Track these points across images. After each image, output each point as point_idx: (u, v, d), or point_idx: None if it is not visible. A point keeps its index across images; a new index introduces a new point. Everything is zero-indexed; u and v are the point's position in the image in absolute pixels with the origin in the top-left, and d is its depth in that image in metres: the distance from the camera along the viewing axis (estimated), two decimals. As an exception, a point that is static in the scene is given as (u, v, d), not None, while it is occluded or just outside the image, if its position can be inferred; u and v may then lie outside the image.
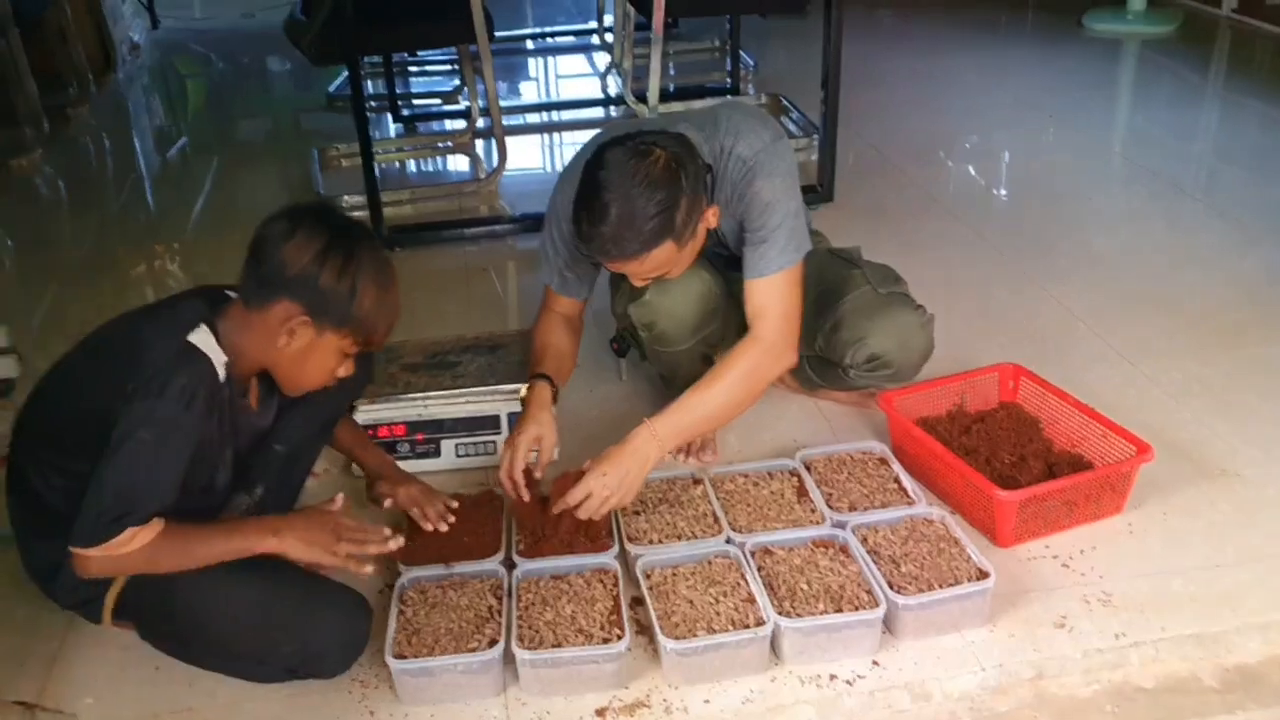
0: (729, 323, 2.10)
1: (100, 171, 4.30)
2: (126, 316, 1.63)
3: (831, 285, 2.08)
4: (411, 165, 4.15)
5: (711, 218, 1.85)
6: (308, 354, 1.56)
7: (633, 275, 1.86)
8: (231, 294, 1.59)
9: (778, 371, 1.95)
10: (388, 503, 1.91)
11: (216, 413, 1.55)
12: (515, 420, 1.98)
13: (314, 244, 1.50)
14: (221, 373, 1.52)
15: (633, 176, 1.71)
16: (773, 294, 1.90)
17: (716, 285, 2.02)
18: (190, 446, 1.49)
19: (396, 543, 1.65)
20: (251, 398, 1.67)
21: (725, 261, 2.06)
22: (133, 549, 1.48)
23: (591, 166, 1.76)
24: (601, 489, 1.77)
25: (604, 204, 1.72)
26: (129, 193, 4.01)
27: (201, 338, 1.51)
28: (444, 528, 1.84)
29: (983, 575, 1.69)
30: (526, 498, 1.83)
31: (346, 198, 3.48)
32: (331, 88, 4.66)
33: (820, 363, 2.16)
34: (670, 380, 2.18)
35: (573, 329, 2.10)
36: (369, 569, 1.61)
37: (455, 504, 1.91)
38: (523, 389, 1.95)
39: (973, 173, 3.73)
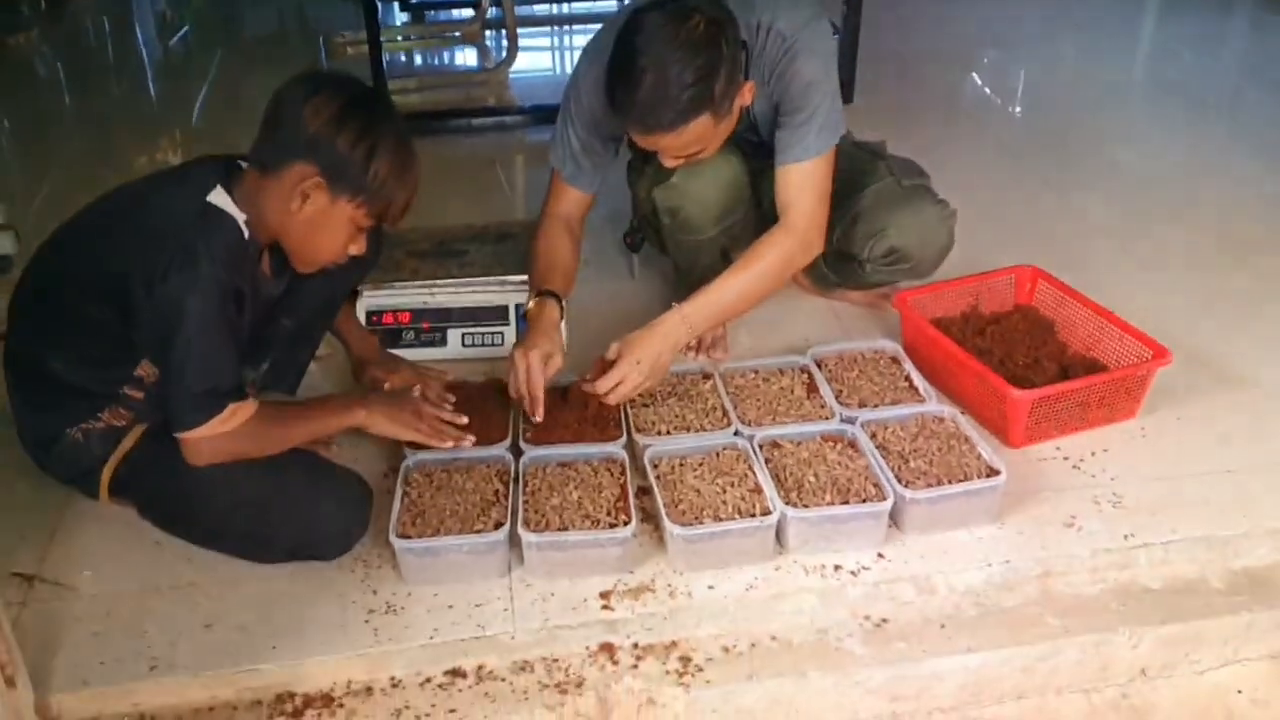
0: (750, 215, 2.05)
1: (100, 55, 4.20)
2: (139, 183, 1.58)
3: (853, 176, 2.02)
4: (418, 56, 4.06)
5: (747, 94, 1.78)
6: (320, 222, 1.51)
7: (665, 152, 1.78)
8: (242, 164, 1.54)
9: (806, 260, 1.91)
10: (386, 386, 1.88)
11: (247, 270, 1.52)
12: (521, 330, 1.95)
13: (332, 106, 1.45)
14: (245, 230, 1.49)
15: (671, 41, 1.63)
16: (807, 180, 1.85)
17: (743, 173, 1.96)
18: (233, 304, 1.48)
19: (469, 440, 1.72)
20: (266, 267, 1.63)
21: (753, 148, 2.00)
22: (236, 426, 1.49)
23: (627, 31, 1.68)
24: (635, 375, 1.75)
25: (640, 70, 1.64)
26: (129, 79, 3.92)
27: (219, 198, 1.47)
28: (447, 409, 1.80)
29: (993, 473, 1.68)
30: (540, 416, 1.78)
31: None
32: (339, -27, 4.53)
33: (837, 258, 2.12)
34: (686, 272, 2.13)
35: (574, 238, 2.01)
36: (449, 444, 1.69)
37: (449, 377, 1.91)
38: (530, 302, 1.89)
39: (995, 82, 3.64)
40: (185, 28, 4.53)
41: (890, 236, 1.98)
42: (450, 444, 1.70)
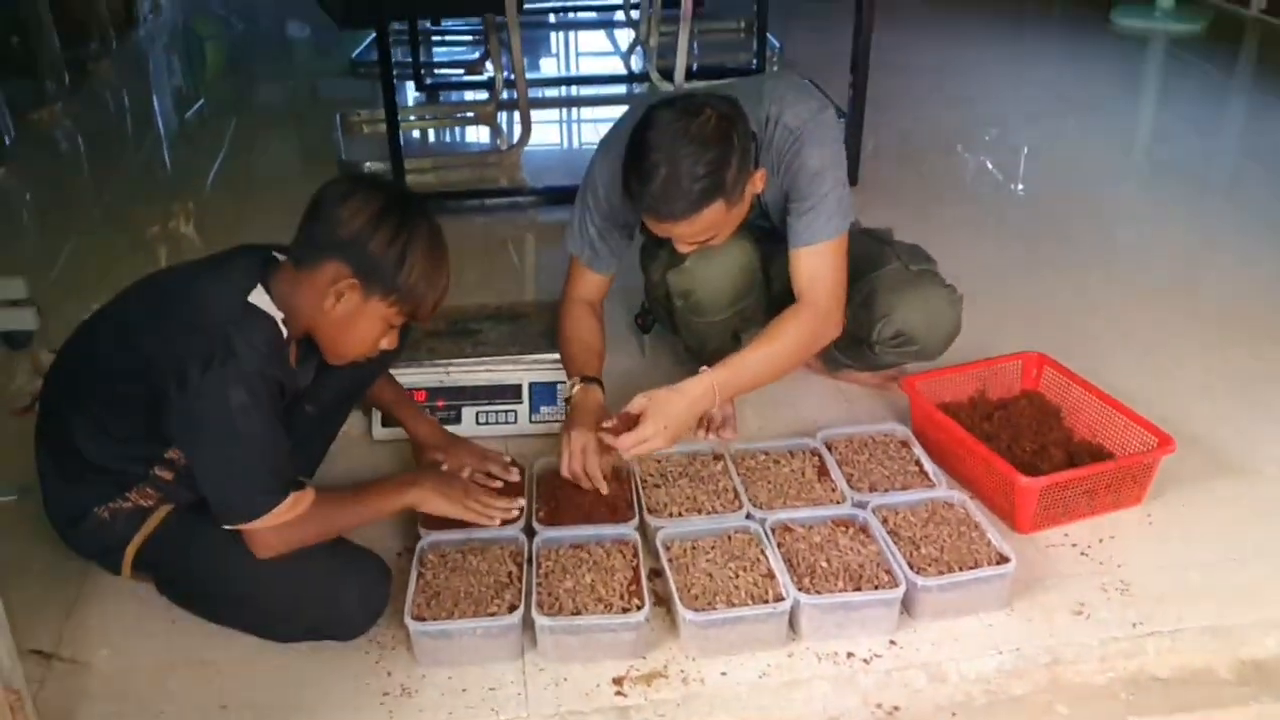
0: (761, 299, 2.09)
1: (119, 127, 4.29)
2: (181, 272, 1.61)
3: (862, 261, 2.07)
4: (432, 134, 4.15)
5: (759, 181, 1.84)
6: (353, 319, 1.55)
7: (680, 239, 1.84)
8: (278, 255, 1.59)
9: (827, 339, 1.95)
10: (444, 467, 1.91)
11: (283, 366, 1.55)
12: (565, 406, 2.00)
13: (369, 207, 1.50)
14: (284, 330, 1.53)
15: (683, 134, 1.70)
16: (822, 262, 1.90)
17: (756, 258, 2.01)
18: (278, 397, 1.52)
19: (517, 512, 1.78)
20: (292, 357, 1.67)
21: (764, 234, 2.05)
22: (298, 514, 1.52)
23: (640, 128, 1.75)
24: (658, 439, 1.78)
25: (653, 163, 1.70)
26: (147, 150, 4.01)
27: (260, 297, 1.51)
28: (515, 477, 1.89)
29: (1003, 560, 1.70)
30: (606, 489, 1.83)
31: (369, 164, 3.47)
32: (355, 53, 4.65)
33: (846, 340, 2.15)
34: (697, 354, 2.17)
35: (597, 318, 2.08)
36: (497, 522, 1.75)
37: (509, 458, 1.94)
38: (574, 389, 1.93)
39: (996, 163, 3.71)
40: (201, 101, 4.64)
41: (898, 320, 2.03)
42: (498, 523, 1.75)
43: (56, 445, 1.63)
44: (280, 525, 1.51)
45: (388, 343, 1.62)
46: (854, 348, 2.16)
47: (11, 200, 3.53)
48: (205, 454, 1.49)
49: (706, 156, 1.70)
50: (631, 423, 1.79)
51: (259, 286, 1.52)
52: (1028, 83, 4.55)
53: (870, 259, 2.09)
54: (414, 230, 1.53)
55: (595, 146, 2.02)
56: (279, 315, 1.52)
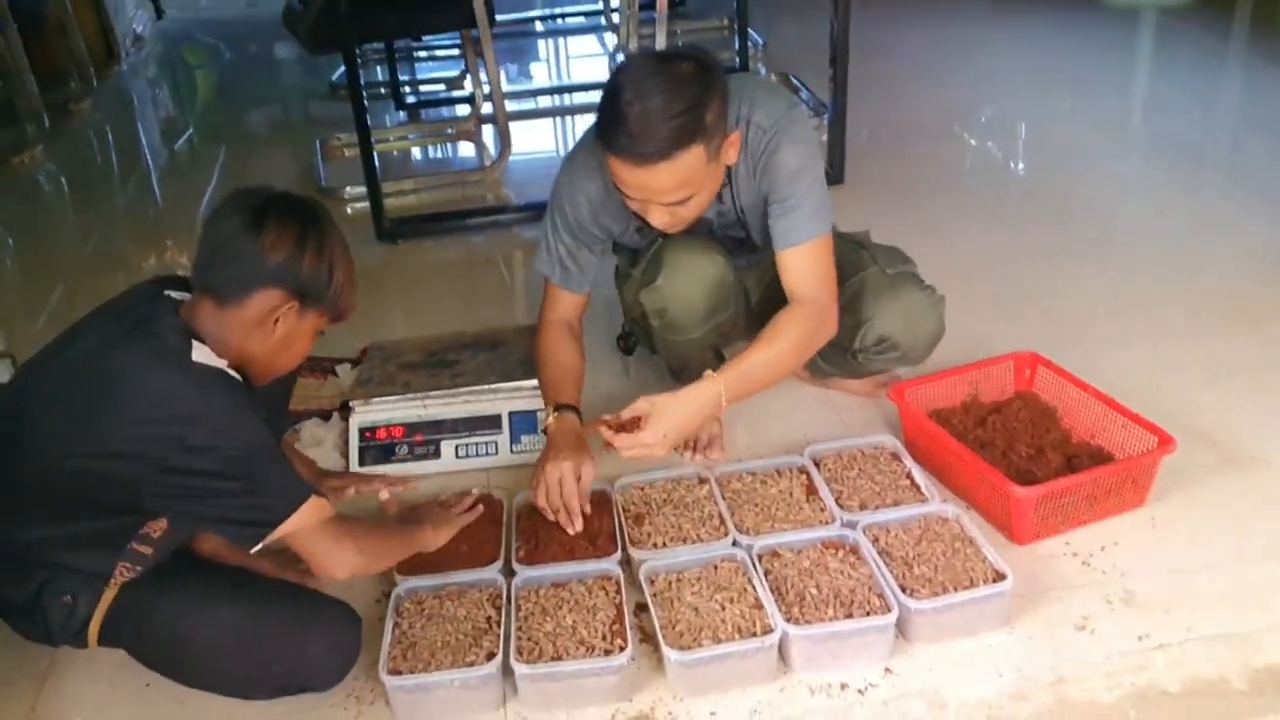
0: (740, 313, 2.03)
1: (104, 166, 4.26)
2: (92, 349, 1.48)
3: (841, 266, 1.99)
4: (416, 153, 4.09)
5: (733, 149, 1.76)
6: (290, 339, 1.56)
7: (654, 198, 1.71)
8: (173, 294, 1.55)
9: (827, 336, 1.89)
10: (350, 493, 1.97)
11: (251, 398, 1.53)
12: (519, 441, 2.05)
13: (288, 231, 1.49)
14: (233, 374, 1.50)
15: (660, 74, 1.63)
16: (813, 260, 1.84)
17: (729, 271, 1.95)
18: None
19: (475, 512, 1.87)
20: None
21: (737, 245, 1.99)
22: (336, 522, 1.55)
23: (616, 73, 1.68)
24: (659, 448, 1.72)
25: (627, 101, 1.61)
26: (134, 187, 3.97)
27: (202, 354, 1.46)
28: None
29: (999, 577, 1.63)
30: (578, 527, 1.77)
31: (349, 189, 3.43)
32: (334, 76, 4.60)
33: (830, 348, 2.08)
34: (679, 373, 2.11)
35: (576, 339, 2.00)
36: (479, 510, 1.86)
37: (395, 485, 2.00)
38: (549, 418, 1.88)
39: (987, 148, 3.64)
40: (189, 131, 4.60)
41: (878, 326, 1.96)
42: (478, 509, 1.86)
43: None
44: (326, 523, 1.53)
45: (308, 349, 1.63)
46: (838, 355, 2.09)
47: (-9, 249, 3.50)
48: (235, 477, 1.45)
49: (685, 93, 1.62)
50: (632, 425, 1.73)
51: (193, 342, 1.46)
52: (1018, 61, 4.46)
53: (848, 264, 2.02)
54: (330, 241, 1.54)
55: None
56: (222, 363, 1.48)
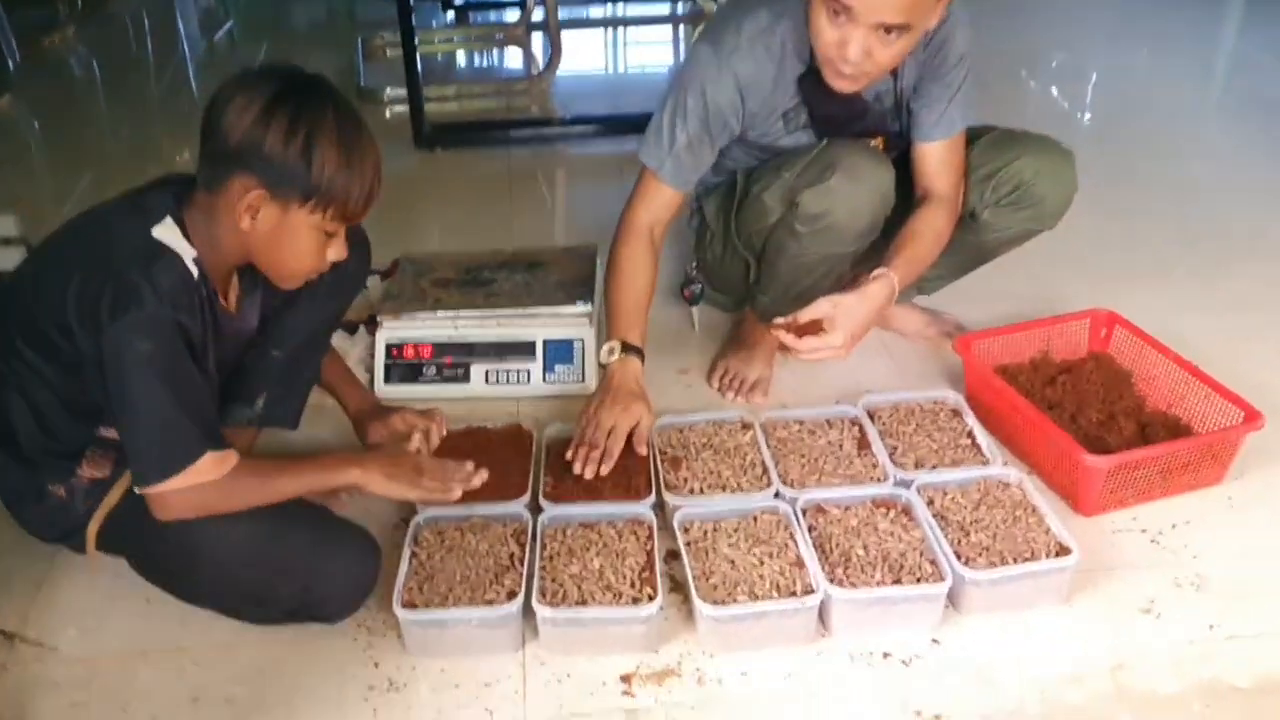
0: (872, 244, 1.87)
1: (139, 52, 4.12)
2: (96, 212, 1.43)
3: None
4: (461, 57, 3.93)
5: (934, 18, 1.58)
6: (280, 235, 1.36)
7: (880, 11, 1.50)
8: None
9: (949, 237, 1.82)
10: (387, 432, 1.76)
11: (197, 312, 1.37)
12: (555, 369, 1.88)
13: (255, 103, 1.28)
14: (193, 269, 1.35)
15: None
16: (955, 156, 1.80)
17: (893, 189, 1.77)
18: (186, 345, 1.34)
19: (480, 478, 1.54)
20: (231, 299, 1.49)
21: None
22: (210, 479, 1.34)
23: None
24: (842, 351, 1.63)
25: None
26: (170, 77, 3.83)
27: (166, 232, 1.33)
28: (436, 440, 1.70)
29: (1063, 550, 1.51)
30: (596, 474, 1.63)
31: (389, 90, 3.29)
32: (380, -29, 4.42)
33: None
34: (775, 300, 1.90)
35: (655, 255, 1.80)
36: (458, 494, 1.51)
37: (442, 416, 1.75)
38: (613, 355, 1.72)
39: (1061, 98, 3.43)
40: (230, 23, 4.45)
41: (1022, 166, 1.80)
42: (459, 494, 1.52)
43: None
44: (194, 488, 1.33)
45: (335, 253, 1.42)
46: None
47: (16, 131, 3.38)
48: (116, 409, 1.32)
49: None
50: (813, 327, 1.62)
51: (167, 219, 1.34)
52: (1097, 8, 4.22)
53: (973, 133, 1.86)
54: (313, 118, 1.30)
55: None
56: (189, 252, 1.34)
